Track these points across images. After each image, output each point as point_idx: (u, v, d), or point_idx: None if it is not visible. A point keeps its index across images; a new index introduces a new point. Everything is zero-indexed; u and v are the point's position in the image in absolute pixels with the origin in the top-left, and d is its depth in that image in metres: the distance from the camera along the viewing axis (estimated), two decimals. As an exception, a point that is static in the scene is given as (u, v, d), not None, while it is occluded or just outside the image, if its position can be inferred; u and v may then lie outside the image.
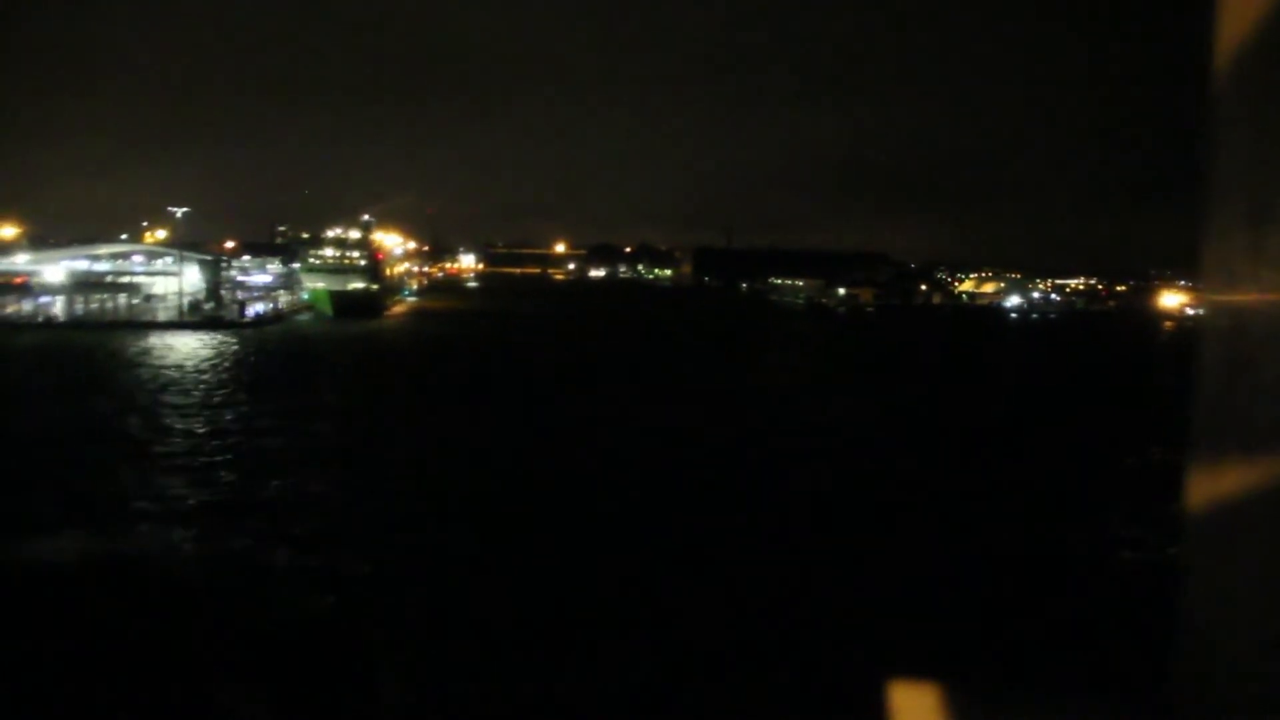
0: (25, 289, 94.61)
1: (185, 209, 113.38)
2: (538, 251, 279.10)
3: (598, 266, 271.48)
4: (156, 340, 77.81)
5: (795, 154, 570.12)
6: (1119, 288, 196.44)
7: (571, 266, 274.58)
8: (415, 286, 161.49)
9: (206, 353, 70.85)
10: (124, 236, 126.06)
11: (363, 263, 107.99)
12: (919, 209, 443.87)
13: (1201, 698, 2.62)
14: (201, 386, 54.10)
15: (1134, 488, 32.32)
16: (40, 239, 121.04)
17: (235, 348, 74.35)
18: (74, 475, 30.66)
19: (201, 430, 41.06)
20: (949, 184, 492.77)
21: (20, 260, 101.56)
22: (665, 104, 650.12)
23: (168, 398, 49.55)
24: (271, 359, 69.90)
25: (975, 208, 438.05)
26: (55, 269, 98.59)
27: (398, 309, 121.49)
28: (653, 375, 65.43)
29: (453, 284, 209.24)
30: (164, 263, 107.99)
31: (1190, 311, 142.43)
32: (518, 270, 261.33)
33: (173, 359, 66.48)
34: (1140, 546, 25.27)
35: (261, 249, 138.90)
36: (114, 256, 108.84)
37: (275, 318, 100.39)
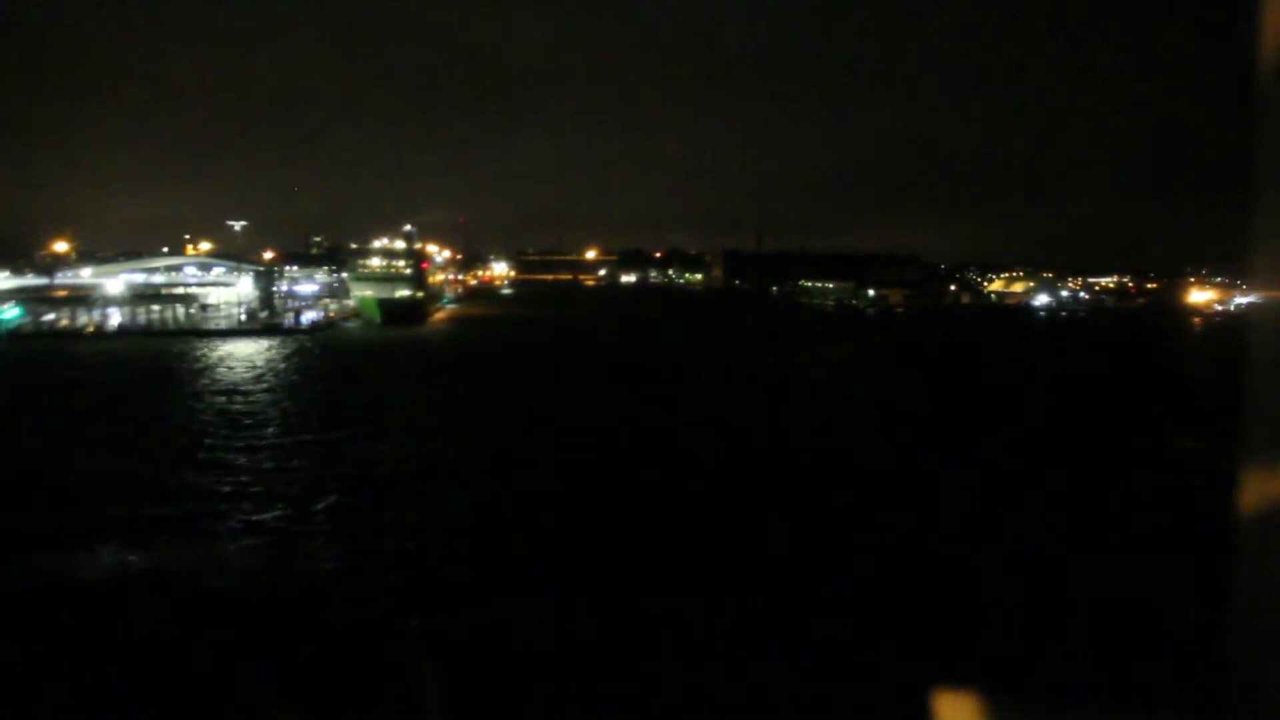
0: (87, 301, 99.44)
1: (244, 222, 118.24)
2: (568, 258, 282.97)
3: (628, 272, 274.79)
4: (232, 346, 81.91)
5: (825, 156, 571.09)
6: (1150, 285, 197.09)
7: (602, 272, 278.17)
8: (451, 294, 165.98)
9: (291, 355, 75.57)
10: (165, 249, 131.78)
11: (408, 271, 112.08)
12: (950, 210, 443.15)
13: (1256, 702, 2.55)
14: (328, 379, 60.87)
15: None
16: (88, 253, 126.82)
17: (311, 351, 78.72)
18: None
19: (366, 406, 48.93)
20: (981, 185, 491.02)
21: (85, 274, 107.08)
22: (695, 108, 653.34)
23: (325, 388, 56.11)
24: (356, 360, 74.33)
25: (1008, 208, 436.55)
26: (115, 282, 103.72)
27: (439, 315, 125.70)
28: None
29: (488, 291, 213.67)
30: (217, 273, 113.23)
31: (1218, 307, 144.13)
32: (549, 276, 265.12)
33: (269, 361, 70.95)
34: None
35: (298, 259, 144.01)
36: (168, 269, 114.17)
37: (327, 324, 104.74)
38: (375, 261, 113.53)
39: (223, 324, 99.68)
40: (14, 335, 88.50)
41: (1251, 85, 2.52)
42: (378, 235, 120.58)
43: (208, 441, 38.26)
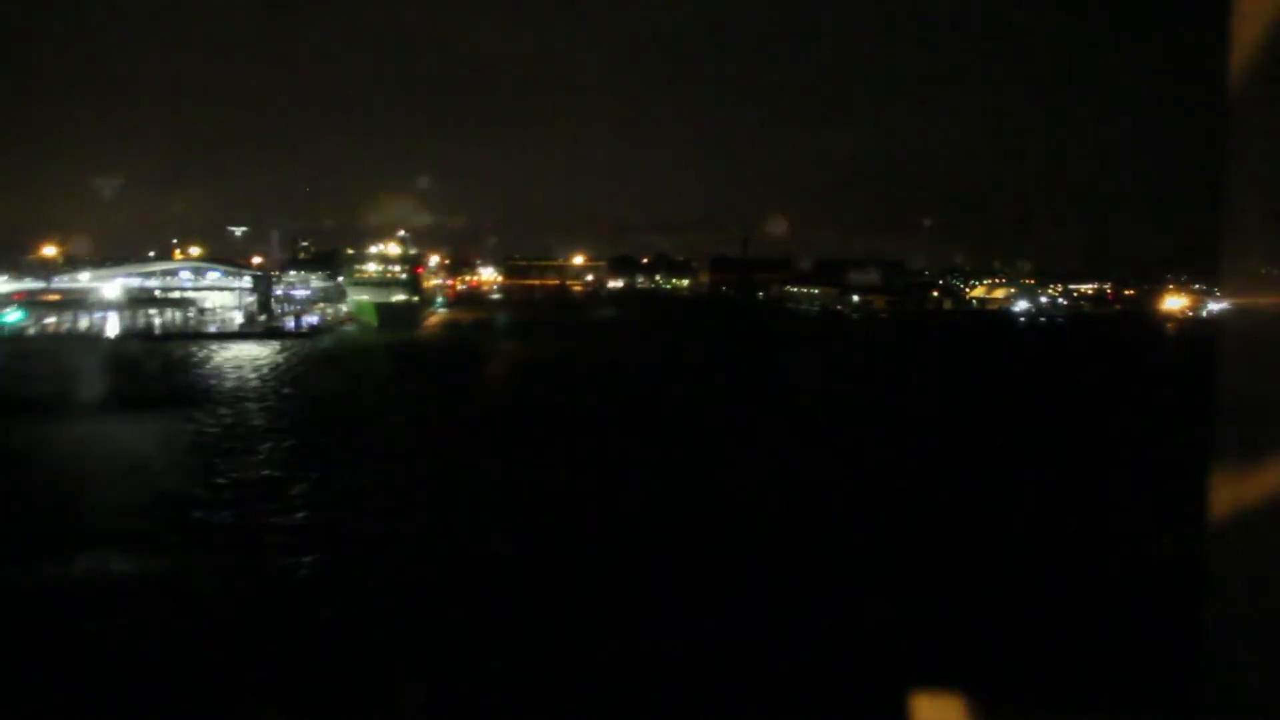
0: (84, 304, 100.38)
1: (244, 228, 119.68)
2: (556, 263, 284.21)
3: (616, 277, 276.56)
4: (248, 350, 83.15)
5: (813, 165, 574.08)
6: (1127, 292, 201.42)
7: (590, 277, 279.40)
8: (443, 299, 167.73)
9: (317, 357, 78.36)
10: (152, 254, 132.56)
11: (404, 276, 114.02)
12: (936, 217, 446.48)
13: (1229, 701, 2.67)
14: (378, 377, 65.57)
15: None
16: (74, 257, 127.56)
17: (326, 354, 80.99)
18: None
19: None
20: (966, 192, 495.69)
21: (83, 277, 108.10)
22: (682, 115, 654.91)
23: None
24: (380, 361, 77.22)
25: (991, 216, 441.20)
26: (112, 286, 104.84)
27: (433, 319, 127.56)
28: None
29: (477, 296, 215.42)
30: (213, 278, 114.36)
31: (1190, 314, 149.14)
32: (536, 281, 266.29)
33: (305, 365, 73.18)
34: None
35: (286, 264, 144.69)
36: (164, 273, 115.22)
37: (326, 329, 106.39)
38: (371, 267, 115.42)
39: (222, 328, 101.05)
40: (17, 338, 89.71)
41: (1222, 101, 2.62)
42: (370, 241, 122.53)
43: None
